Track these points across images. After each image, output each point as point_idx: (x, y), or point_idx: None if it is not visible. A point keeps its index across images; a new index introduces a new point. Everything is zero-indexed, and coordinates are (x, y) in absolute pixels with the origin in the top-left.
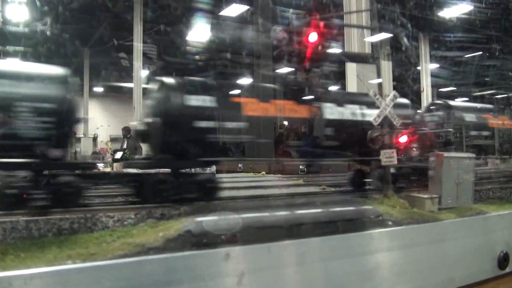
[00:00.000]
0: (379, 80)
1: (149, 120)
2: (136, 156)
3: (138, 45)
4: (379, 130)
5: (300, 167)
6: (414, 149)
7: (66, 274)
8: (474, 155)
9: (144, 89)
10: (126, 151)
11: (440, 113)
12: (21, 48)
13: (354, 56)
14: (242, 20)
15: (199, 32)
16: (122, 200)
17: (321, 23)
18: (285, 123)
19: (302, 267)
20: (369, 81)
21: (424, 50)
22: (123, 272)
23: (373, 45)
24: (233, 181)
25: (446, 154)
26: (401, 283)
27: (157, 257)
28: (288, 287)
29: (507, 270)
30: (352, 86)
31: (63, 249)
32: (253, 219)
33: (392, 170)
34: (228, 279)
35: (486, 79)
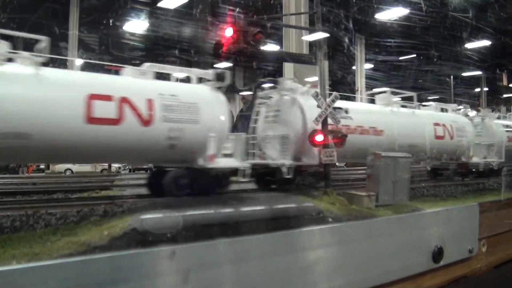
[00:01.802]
0: (315, 78)
1: None
2: None
3: (74, 33)
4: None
5: None
6: None
7: (11, 275)
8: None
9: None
10: None
11: None
12: None
13: (295, 57)
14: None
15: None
16: None
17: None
18: None
19: (246, 263)
20: (305, 79)
21: (360, 52)
22: (69, 272)
23: (312, 46)
24: None
25: (384, 153)
26: (341, 277)
27: (103, 256)
28: (233, 283)
29: (441, 263)
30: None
31: (7, 249)
32: (198, 217)
33: None
34: (174, 276)
35: (419, 81)
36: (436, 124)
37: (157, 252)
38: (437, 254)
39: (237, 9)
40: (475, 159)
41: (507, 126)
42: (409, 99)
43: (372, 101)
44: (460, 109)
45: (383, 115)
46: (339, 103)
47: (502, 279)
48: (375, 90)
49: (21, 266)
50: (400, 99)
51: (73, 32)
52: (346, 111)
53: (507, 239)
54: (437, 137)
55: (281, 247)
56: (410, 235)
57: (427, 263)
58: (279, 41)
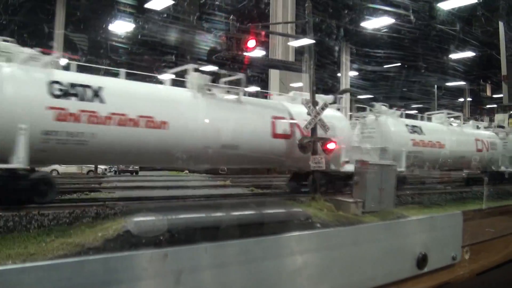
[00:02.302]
0: (300, 84)
1: None
2: None
3: (60, 33)
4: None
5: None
6: None
7: (7, 274)
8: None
9: None
10: None
11: None
12: None
13: (287, 64)
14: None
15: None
16: None
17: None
18: None
19: (236, 267)
20: (290, 84)
21: (346, 60)
22: (64, 273)
23: (298, 53)
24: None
25: (371, 161)
26: (328, 282)
27: (97, 257)
28: (223, 286)
29: (425, 270)
30: (274, 89)
31: (1, 249)
32: (190, 220)
33: None
34: (166, 278)
35: (404, 89)
36: (277, 118)
37: (150, 254)
38: (422, 261)
39: (231, 17)
40: (348, 167)
41: (414, 127)
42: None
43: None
44: (335, 103)
45: (173, 102)
46: (85, 79)
47: (485, 287)
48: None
49: (17, 266)
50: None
51: (59, 31)
52: (96, 93)
53: (489, 247)
54: (277, 136)
55: (271, 251)
56: (395, 242)
57: (412, 269)
58: (265, 46)
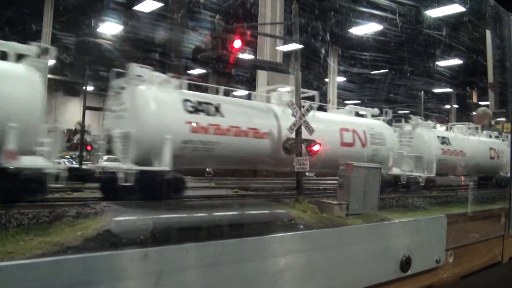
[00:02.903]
0: (288, 88)
1: None
2: None
3: (47, 31)
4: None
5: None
6: None
7: None
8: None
9: None
10: None
11: None
12: None
13: (272, 65)
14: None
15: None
16: None
17: (248, 31)
18: None
19: (218, 267)
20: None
21: (333, 64)
22: (42, 272)
23: (286, 55)
24: None
25: (355, 163)
26: (311, 283)
27: (76, 256)
28: (205, 287)
29: (409, 273)
30: (262, 90)
31: None
32: (171, 220)
33: None
34: (147, 279)
35: (391, 94)
36: None
37: (130, 254)
38: (405, 264)
39: (217, 16)
40: (27, 161)
41: (202, 104)
42: None
43: None
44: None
45: None
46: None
47: None
48: None
49: None
50: None
51: (47, 30)
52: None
53: (473, 251)
54: None
55: (253, 252)
56: (379, 244)
57: (395, 272)
58: (253, 48)
